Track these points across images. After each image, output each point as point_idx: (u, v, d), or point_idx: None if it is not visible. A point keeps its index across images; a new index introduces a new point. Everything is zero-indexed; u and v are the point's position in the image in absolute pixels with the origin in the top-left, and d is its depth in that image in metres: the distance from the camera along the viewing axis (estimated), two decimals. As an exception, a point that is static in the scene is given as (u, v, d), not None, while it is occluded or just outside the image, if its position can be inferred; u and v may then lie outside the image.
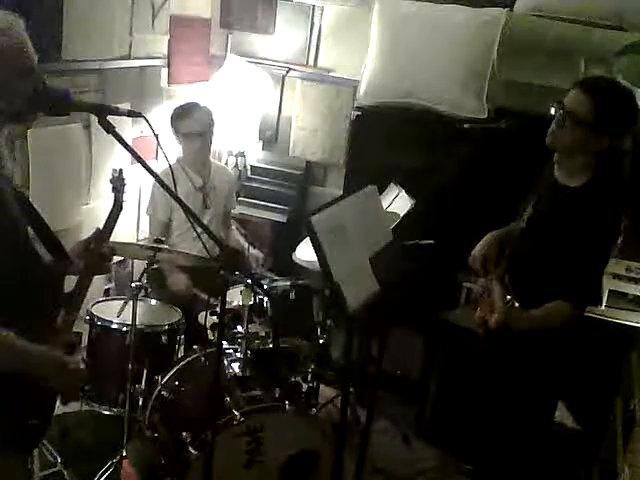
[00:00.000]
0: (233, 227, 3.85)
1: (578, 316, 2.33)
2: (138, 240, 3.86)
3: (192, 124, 3.40)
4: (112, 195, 2.04)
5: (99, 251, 1.92)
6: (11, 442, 1.66)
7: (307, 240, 2.30)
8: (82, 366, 1.77)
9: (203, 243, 1.97)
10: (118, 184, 2.04)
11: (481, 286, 2.55)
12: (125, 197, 2.05)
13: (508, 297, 2.35)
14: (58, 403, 1.82)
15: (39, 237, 1.73)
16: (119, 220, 2.02)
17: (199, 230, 1.85)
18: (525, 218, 2.49)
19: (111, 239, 2.02)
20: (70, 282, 1.85)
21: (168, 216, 3.40)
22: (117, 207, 2.02)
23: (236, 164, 4.33)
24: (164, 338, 2.92)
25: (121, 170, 2.04)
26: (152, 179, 1.80)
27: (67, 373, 1.68)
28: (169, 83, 4.06)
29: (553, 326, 2.32)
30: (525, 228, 2.48)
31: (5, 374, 1.57)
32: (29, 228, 1.71)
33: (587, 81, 2.33)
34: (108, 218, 1.99)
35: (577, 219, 2.25)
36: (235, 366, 2.77)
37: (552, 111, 2.29)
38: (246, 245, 3.71)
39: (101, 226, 1.97)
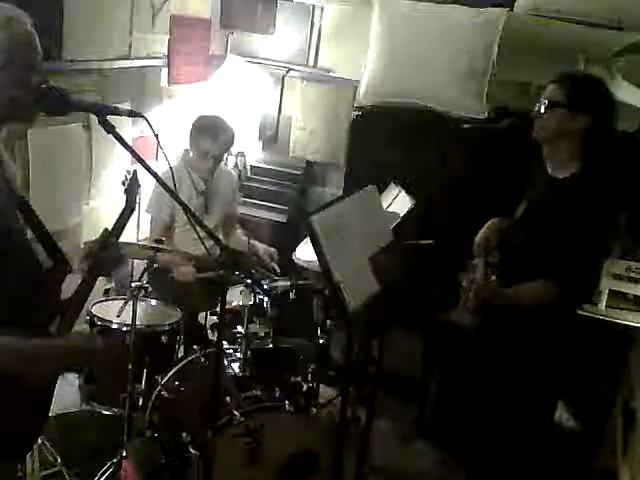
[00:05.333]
0: (238, 229, 3.83)
1: (564, 299, 2.33)
2: (138, 240, 3.85)
3: (214, 146, 3.33)
4: (112, 196, 2.01)
5: (107, 254, 1.87)
6: (2, 449, 1.65)
7: (307, 240, 2.30)
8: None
9: (204, 245, 1.96)
10: (132, 186, 1.96)
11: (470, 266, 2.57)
12: (137, 199, 1.99)
13: (493, 277, 2.36)
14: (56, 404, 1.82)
15: (38, 241, 1.71)
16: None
17: (201, 232, 1.85)
18: (519, 210, 2.53)
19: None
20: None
21: (170, 216, 3.39)
22: (129, 209, 1.96)
23: (236, 164, 4.33)
24: (164, 338, 2.91)
25: (135, 171, 1.97)
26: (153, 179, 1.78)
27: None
28: (169, 83, 4.06)
29: (534, 303, 2.34)
30: (519, 220, 2.52)
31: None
32: (29, 232, 1.70)
33: (561, 74, 2.45)
34: (118, 220, 1.94)
35: (569, 209, 2.30)
36: (235, 366, 2.77)
37: (535, 108, 2.41)
38: (256, 243, 3.66)
39: (110, 228, 1.92)
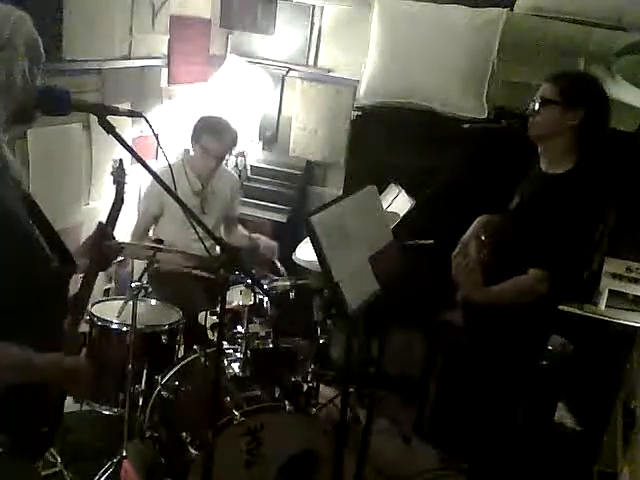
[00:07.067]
0: (239, 227, 3.84)
1: (552, 289, 2.35)
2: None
3: (219, 147, 3.35)
4: (112, 196, 1.99)
5: (104, 247, 1.89)
6: (22, 448, 1.66)
7: (307, 240, 2.30)
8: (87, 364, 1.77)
9: (203, 243, 1.96)
10: (119, 175, 1.96)
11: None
12: (126, 188, 1.97)
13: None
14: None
15: (45, 240, 1.72)
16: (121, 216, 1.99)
17: (200, 232, 1.85)
18: (512, 205, 2.56)
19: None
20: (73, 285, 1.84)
21: (160, 209, 3.38)
22: (119, 200, 1.95)
23: (236, 164, 4.33)
24: (164, 338, 2.91)
25: (121, 160, 1.95)
26: (150, 177, 1.78)
27: (79, 377, 1.69)
28: (169, 83, 4.06)
29: (525, 295, 2.36)
30: (511, 214, 2.55)
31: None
32: (36, 231, 1.70)
33: (554, 72, 2.49)
34: (110, 212, 1.94)
35: (561, 202, 2.33)
36: (235, 366, 2.77)
37: (529, 106, 2.46)
38: (259, 236, 3.66)
39: (104, 221, 1.93)
